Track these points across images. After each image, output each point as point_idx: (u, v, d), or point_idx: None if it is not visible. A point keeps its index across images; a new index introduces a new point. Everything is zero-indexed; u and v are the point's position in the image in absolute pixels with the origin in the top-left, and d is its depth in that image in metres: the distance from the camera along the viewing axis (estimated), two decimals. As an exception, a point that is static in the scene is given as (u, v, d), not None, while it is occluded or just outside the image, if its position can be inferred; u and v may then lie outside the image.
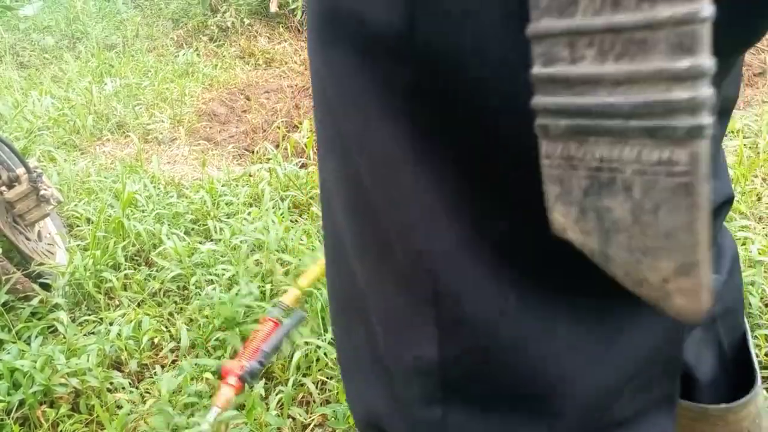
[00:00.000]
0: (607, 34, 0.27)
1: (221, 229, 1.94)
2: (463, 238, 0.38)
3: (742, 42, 0.37)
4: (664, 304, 0.30)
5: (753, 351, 0.75)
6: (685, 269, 0.28)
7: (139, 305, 1.69)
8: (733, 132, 2.18)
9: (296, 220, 1.91)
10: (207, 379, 1.37)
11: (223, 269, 1.72)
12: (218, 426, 1.22)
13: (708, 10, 0.25)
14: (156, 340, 1.57)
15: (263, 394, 1.33)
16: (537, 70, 0.30)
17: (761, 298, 1.42)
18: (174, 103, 3.19)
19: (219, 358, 1.44)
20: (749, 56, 2.77)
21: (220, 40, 4.12)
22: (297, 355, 1.39)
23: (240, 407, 1.31)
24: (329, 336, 1.43)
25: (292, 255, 1.71)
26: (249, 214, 2.01)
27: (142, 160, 2.57)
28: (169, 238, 1.89)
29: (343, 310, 0.48)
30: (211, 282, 1.72)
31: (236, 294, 1.57)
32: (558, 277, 0.37)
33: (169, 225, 2.01)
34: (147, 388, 1.42)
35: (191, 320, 1.60)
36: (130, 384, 1.44)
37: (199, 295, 1.66)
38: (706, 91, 0.26)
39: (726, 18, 0.33)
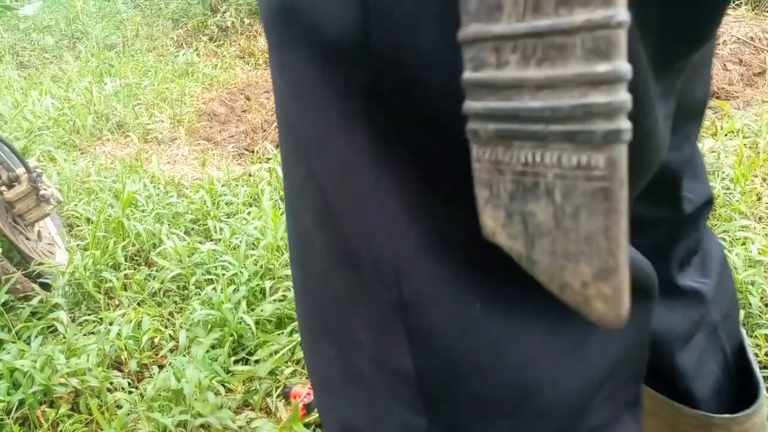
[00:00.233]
0: (529, 38, 0.27)
1: (221, 228, 1.94)
2: (425, 243, 0.37)
3: (684, 42, 0.37)
4: (586, 309, 0.30)
5: (753, 359, 0.74)
6: (604, 274, 0.29)
7: (139, 305, 1.69)
8: (732, 132, 2.17)
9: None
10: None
11: (223, 267, 1.72)
12: None
13: (623, 15, 0.25)
14: (156, 340, 1.57)
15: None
16: (467, 75, 0.30)
17: (761, 298, 1.42)
18: (174, 102, 3.19)
19: (216, 358, 1.44)
20: (749, 56, 2.77)
21: (220, 40, 4.12)
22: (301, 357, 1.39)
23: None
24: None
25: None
26: (249, 213, 2.01)
27: (142, 160, 2.57)
28: (168, 238, 1.89)
29: (314, 321, 0.46)
30: (211, 282, 1.72)
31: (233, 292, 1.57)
32: (523, 278, 0.36)
33: (169, 225, 2.01)
34: (147, 388, 1.42)
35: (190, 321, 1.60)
36: (129, 384, 1.44)
37: (199, 294, 1.66)
38: (623, 95, 0.26)
39: (663, 18, 0.34)
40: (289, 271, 1.67)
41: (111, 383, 1.44)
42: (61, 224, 2.10)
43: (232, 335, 1.49)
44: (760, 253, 1.51)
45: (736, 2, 3.07)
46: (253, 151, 2.73)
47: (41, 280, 1.78)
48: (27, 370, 1.41)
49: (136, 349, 1.52)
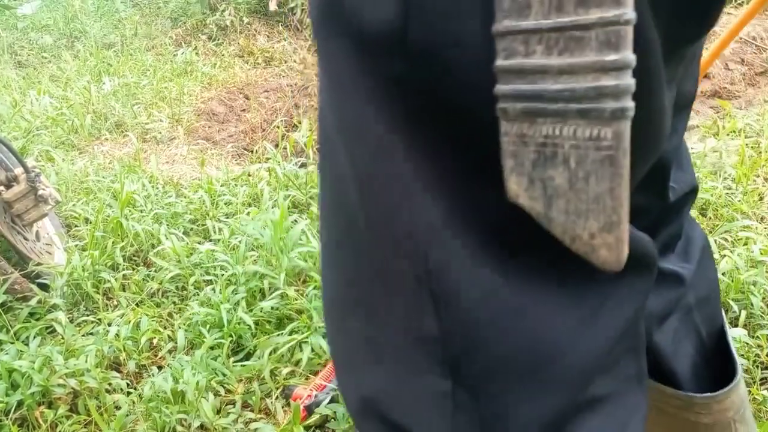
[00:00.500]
0: (553, 32, 0.33)
1: (220, 229, 1.93)
2: (451, 216, 0.41)
3: (692, 26, 0.42)
4: (592, 257, 0.37)
5: (731, 341, 0.77)
6: (608, 227, 0.35)
7: (137, 305, 1.69)
8: (734, 131, 2.17)
9: (296, 221, 1.90)
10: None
11: (222, 267, 1.71)
12: None
13: (631, 13, 0.31)
14: (155, 341, 1.56)
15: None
16: (499, 62, 0.36)
17: (763, 299, 1.41)
18: (173, 102, 3.18)
19: (215, 358, 1.44)
20: (751, 55, 2.77)
21: (219, 39, 4.10)
22: (305, 358, 1.39)
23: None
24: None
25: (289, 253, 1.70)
26: (248, 213, 2.01)
27: (141, 160, 2.57)
28: (167, 238, 1.88)
29: (345, 297, 0.50)
30: (210, 282, 1.71)
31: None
32: (544, 252, 0.41)
33: (167, 225, 2.00)
34: (145, 389, 1.41)
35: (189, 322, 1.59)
36: (128, 385, 1.44)
37: (198, 295, 1.66)
38: (628, 80, 0.33)
39: (675, 1, 0.39)
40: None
41: (110, 384, 1.43)
42: (59, 224, 2.09)
43: (231, 335, 1.49)
44: (762, 254, 1.50)
45: (738, 1, 3.07)
46: (252, 151, 2.72)
47: (39, 280, 1.77)
48: (25, 370, 1.40)
49: (134, 350, 1.52)
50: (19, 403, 1.38)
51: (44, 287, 1.75)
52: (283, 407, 1.33)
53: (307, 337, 1.43)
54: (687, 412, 0.73)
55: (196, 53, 3.88)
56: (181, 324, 1.57)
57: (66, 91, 3.31)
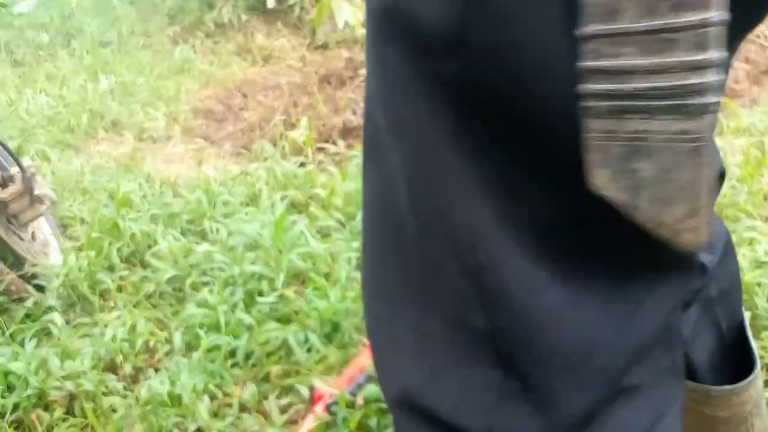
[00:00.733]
0: (644, 35, 0.34)
1: (218, 229, 1.91)
2: (498, 215, 0.43)
3: (749, 16, 0.43)
4: (676, 240, 0.39)
5: (750, 337, 0.77)
6: (693, 212, 0.37)
7: (134, 307, 1.67)
8: (739, 130, 2.15)
9: (295, 221, 1.88)
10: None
11: (220, 268, 1.69)
12: None
13: (721, 16, 0.33)
14: (151, 343, 1.54)
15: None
16: (586, 63, 0.37)
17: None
18: (170, 100, 3.15)
19: (213, 360, 1.42)
20: (755, 54, 2.76)
21: (216, 37, 4.08)
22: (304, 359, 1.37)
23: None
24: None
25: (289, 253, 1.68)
26: (246, 213, 1.99)
27: (137, 159, 2.55)
28: (164, 239, 1.86)
29: (393, 291, 0.51)
30: (207, 284, 1.69)
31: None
32: (592, 249, 0.43)
33: (164, 225, 1.98)
34: (142, 392, 1.39)
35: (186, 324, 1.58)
36: (124, 387, 1.42)
37: (195, 296, 1.64)
38: (714, 78, 0.34)
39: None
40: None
41: (106, 387, 1.41)
42: (55, 225, 2.07)
43: (228, 336, 1.47)
44: (766, 254, 1.49)
45: None
46: (250, 150, 2.70)
47: (35, 281, 1.75)
48: (21, 373, 1.39)
49: (131, 352, 1.50)
50: (15, 406, 1.37)
51: (40, 288, 1.73)
52: (279, 410, 1.32)
53: (306, 339, 1.42)
54: (703, 406, 0.73)
55: (194, 51, 3.86)
56: (178, 326, 1.56)
57: (62, 90, 3.29)
